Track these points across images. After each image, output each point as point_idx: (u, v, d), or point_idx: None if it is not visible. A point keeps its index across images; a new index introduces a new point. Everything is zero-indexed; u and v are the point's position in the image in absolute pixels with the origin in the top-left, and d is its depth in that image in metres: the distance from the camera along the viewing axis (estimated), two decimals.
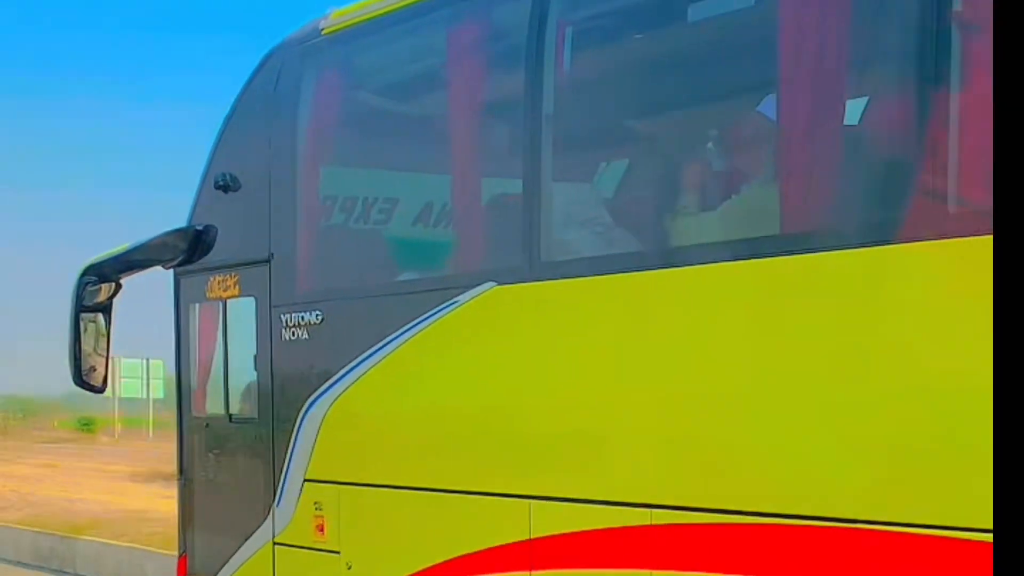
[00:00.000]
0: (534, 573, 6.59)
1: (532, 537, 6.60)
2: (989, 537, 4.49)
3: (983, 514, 4.51)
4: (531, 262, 6.60)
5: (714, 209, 6.10)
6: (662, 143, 6.90)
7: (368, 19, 7.93)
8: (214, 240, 9.12)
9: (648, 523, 5.99)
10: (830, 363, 5.39)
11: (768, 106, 5.89)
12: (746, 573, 5.62)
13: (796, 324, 5.52)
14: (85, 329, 9.41)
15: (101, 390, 9.76)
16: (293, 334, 8.26)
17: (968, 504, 4.81)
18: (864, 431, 5.26)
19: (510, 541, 6.72)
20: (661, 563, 5.95)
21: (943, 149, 4.94)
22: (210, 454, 9.41)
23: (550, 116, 6.56)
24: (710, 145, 6.30)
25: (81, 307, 9.24)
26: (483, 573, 6.90)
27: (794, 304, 5.52)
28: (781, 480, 5.54)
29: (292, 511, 8.34)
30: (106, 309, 9.47)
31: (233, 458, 9.17)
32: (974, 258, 4.71)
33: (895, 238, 5.13)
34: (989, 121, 4.34)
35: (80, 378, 9.40)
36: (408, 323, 7.28)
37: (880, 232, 5.18)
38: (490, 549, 6.86)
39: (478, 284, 6.86)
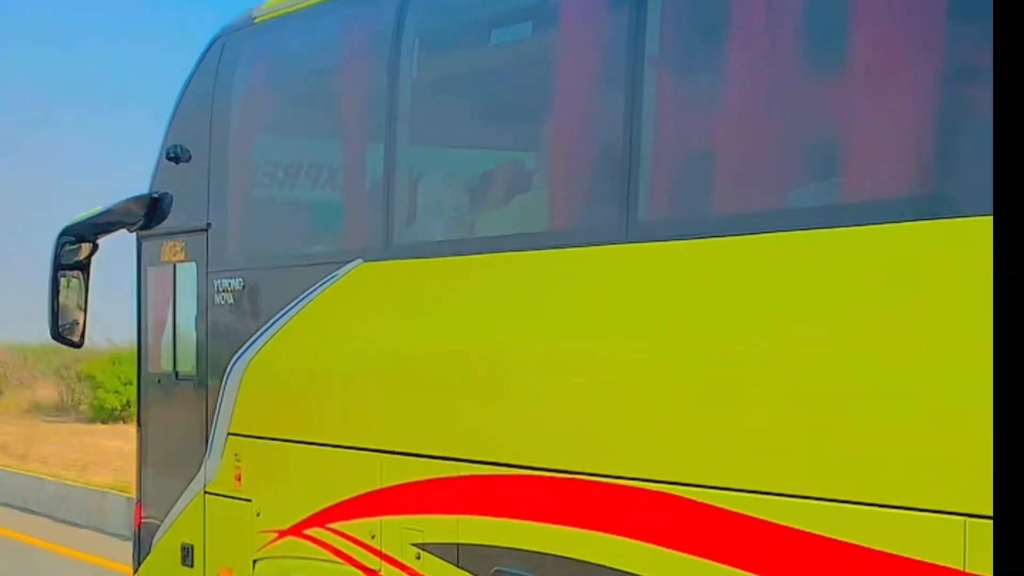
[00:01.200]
0: (383, 519, 7.96)
1: (382, 487, 7.97)
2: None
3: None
4: (387, 243, 7.95)
5: (507, 204, 7.42)
6: (492, 141, 8.25)
7: (290, 12, 9.31)
8: (168, 208, 10.47)
9: (457, 475, 7.35)
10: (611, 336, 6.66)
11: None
12: (526, 518, 6.94)
13: (580, 308, 6.84)
14: (67, 285, 10.91)
15: (79, 344, 11.24)
16: (222, 298, 9.64)
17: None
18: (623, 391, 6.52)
19: (368, 490, 8.09)
20: (465, 509, 7.30)
21: (635, 170, 6.26)
22: (161, 408, 10.88)
23: (405, 113, 7.92)
24: (516, 148, 7.70)
25: (59, 265, 10.73)
26: (348, 519, 8.27)
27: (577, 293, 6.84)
28: (556, 439, 6.83)
29: (219, 462, 9.71)
30: (84, 267, 10.94)
31: (178, 412, 10.55)
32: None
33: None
34: (683, 143, 5.64)
35: (58, 332, 10.88)
36: (302, 293, 8.65)
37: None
38: (355, 498, 8.20)
39: (350, 261, 8.22)
